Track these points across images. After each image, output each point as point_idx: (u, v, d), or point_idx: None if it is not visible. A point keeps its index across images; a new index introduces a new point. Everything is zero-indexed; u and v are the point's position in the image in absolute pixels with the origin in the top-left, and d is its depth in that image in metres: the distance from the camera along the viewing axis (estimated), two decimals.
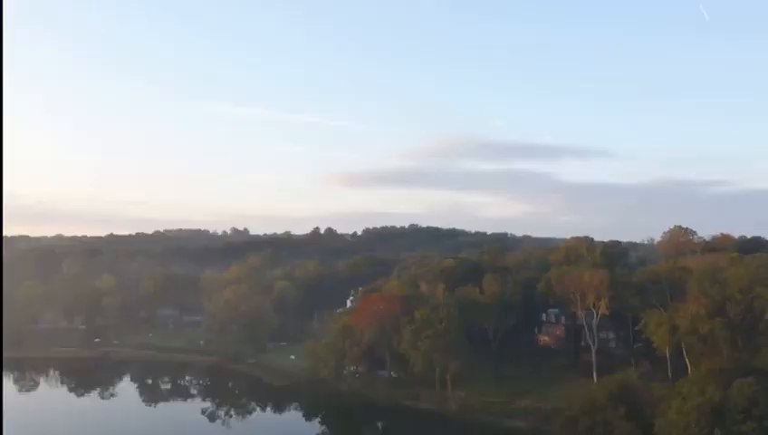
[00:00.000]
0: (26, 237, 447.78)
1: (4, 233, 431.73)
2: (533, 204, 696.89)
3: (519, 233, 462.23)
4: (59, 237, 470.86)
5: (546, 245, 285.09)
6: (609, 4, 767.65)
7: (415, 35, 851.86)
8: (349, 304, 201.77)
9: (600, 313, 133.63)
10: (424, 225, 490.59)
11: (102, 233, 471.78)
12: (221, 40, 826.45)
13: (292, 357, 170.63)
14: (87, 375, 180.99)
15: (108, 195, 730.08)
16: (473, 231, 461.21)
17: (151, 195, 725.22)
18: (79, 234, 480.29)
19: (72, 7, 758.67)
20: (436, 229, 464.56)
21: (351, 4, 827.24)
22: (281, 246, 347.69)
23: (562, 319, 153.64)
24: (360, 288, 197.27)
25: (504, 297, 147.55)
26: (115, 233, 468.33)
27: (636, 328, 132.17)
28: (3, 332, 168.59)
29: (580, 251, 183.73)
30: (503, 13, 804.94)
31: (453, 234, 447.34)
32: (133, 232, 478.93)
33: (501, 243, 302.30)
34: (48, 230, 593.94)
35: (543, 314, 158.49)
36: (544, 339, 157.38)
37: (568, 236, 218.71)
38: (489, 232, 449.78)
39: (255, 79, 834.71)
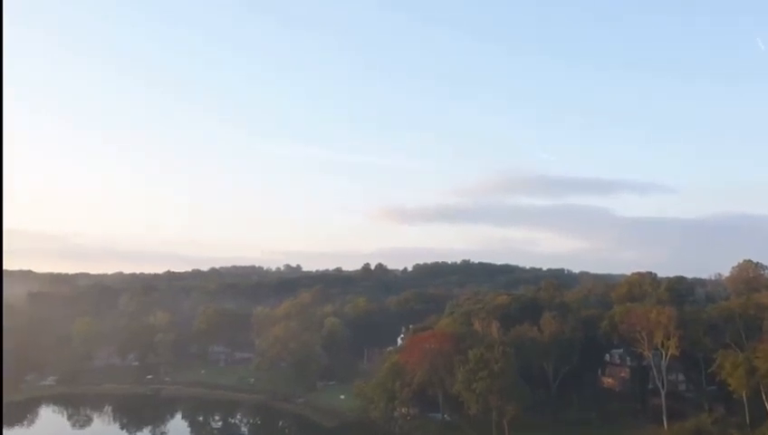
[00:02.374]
0: (87, 274, 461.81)
1: (65, 271, 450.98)
2: (590, 239, 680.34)
3: (576, 269, 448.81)
4: (118, 275, 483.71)
5: (605, 281, 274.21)
6: (664, 46, 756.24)
7: (465, 71, 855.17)
8: (399, 341, 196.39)
9: (669, 353, 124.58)
10: (476, 261, 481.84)
11: (160, 270, 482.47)
12: (276, 80, 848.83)
13: (342, 397, 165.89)
14: (139, 412, 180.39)
15: (166, 233, 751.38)
16: (527, 267, 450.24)
17: (207, 232, 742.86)
18: (138, 271, 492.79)
19: (137, 45, 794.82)
20: (490, 265, 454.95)
21: (405, 46, 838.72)
22: (331, 283, 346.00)
23: (627, 360, 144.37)
24: (411, 325, 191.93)
25: (563, 336, 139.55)
26: (172, 270, 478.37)
27: (709, 370, 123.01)
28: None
29: (644, 287, 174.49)
30: (555, 48, 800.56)
31: (507, 270, 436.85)
32: (189, 269, 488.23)
33: (557, 279, 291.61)
34: (108, 268, 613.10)
35: (607, 355, 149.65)
36: (608, 381, 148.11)
37: (627, 273, 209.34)
38: (545, 268, 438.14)
39: (309, 118, 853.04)
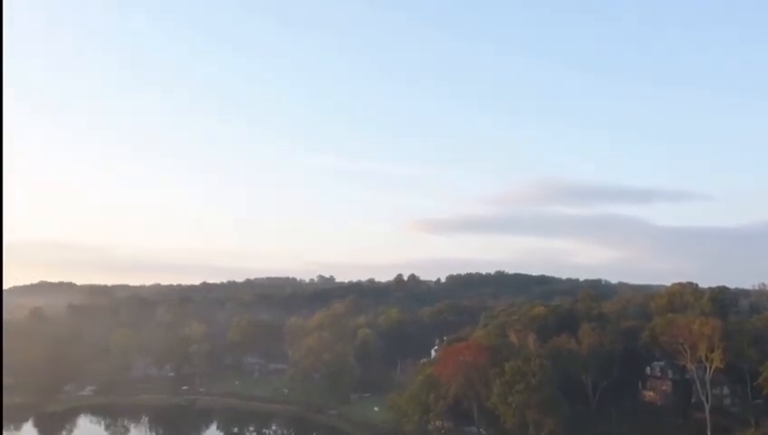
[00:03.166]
0: (126, 286, 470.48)
1: (105, 283, 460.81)
2: (627, 249, 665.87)
3: (613, 279, 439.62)
4: (156, 286, 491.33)
5: (643, 291, 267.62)
6: (700, 57, 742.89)
7: (498, 80, 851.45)
8: (433, 353, 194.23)
9: (713, 365, 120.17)
10: (510, 272, 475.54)
11: (196, 281, 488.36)
12: (308, 92, 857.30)
13: (376, 409, 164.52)
14: (175, 423, 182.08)
15: (202, 244, 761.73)
16: (563, 278, 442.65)
17: (242, 244, 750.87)
18: (174, 283, 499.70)
19: (168, 58, 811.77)
20: (525, 276, 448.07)
21: (436, 56, 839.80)
22: (364, 294, 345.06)
23: (669, 373, 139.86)
24: (445, 337, 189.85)
25: (603, 348, 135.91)
26: (207, 281, 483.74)
27: (754, 383, 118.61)
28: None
29: (685, 298, 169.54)
30: (588, 58, 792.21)
31: (542, 281, 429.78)
32: (224, 280, 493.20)
33: (594, 290, 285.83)
34: (146, 279, 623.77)
35: (647, 368, 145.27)
36: (649, 395, 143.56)
37: (665, 283, 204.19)
38: (581, 278, 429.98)
39: (341, 129, 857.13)
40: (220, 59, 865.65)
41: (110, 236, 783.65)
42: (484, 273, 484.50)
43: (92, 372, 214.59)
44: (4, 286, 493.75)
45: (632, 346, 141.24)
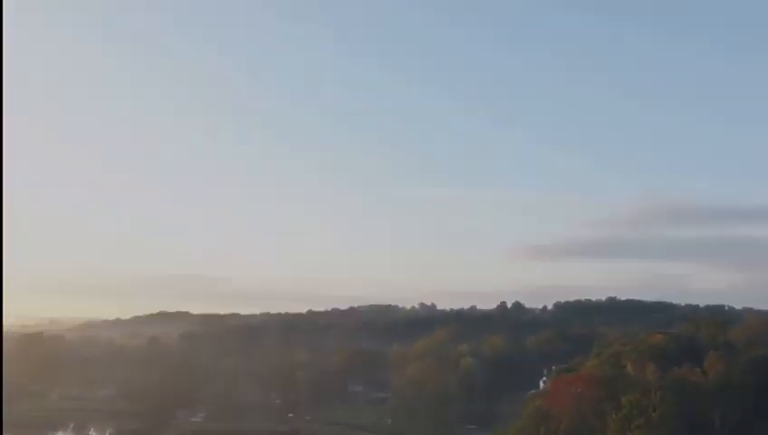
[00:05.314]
0: (237, 315, 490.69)
1: (219, 311, 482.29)
2: (752, 272, 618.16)
3: (738, 305, 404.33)
4: (265, 314, 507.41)
5: None
6: None
7: (601, 93, 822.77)
8: (541, 384, 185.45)
9: None
10: (623, 298, 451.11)
11: (302, 309, 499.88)
12: (396, 122, 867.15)
13: None
14: None
15: (308, 273, 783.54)
16: (681, 304, 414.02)
17: (346, 272, 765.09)
18: (282, 311, 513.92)
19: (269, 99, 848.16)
20: (638, 302, 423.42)
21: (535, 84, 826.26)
22: (466, 321, 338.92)
23: None
24: (554, 367, 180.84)
25: (731, 380, 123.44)
26: (312, 309, 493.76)
27: None
28: None
29: None
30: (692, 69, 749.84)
31: (659, 307, 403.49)
32: (328, 308, 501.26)
33: (718, 316, 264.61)
34: (256, 308, 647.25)
35: None
36: None
37: None
38: (702, 304, 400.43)
39: (439, 155, 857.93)
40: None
41: (227, 267, 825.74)
42: (594, 299, 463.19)
43: (202, 398, 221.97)
44: (127, 316, 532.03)
45: (764, 378, 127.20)
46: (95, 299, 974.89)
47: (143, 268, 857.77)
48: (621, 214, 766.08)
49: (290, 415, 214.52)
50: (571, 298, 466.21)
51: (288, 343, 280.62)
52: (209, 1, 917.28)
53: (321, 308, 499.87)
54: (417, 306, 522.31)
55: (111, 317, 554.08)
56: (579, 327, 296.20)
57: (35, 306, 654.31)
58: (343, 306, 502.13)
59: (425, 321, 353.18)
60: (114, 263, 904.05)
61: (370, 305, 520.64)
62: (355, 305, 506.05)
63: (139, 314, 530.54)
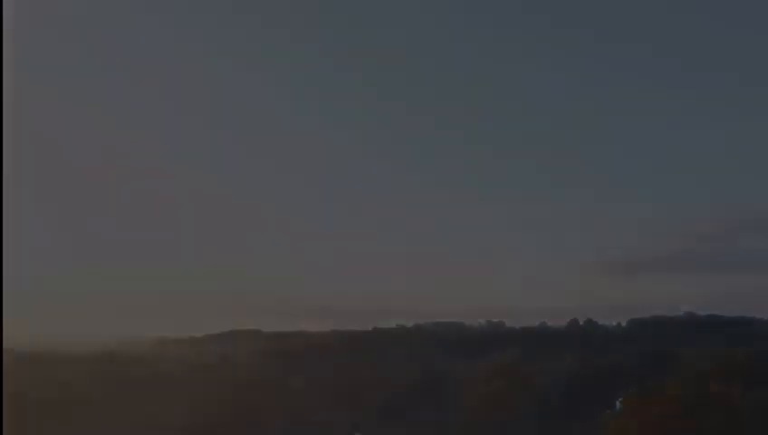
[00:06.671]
0: (304, 332, 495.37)
1: (288, 329, 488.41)
2: None
3: None
4: (333, 332, 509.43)
5: None
6: None
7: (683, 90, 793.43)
8: (618, 405, 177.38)
9: None
10: (702, 313, 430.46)
11: (369, 326, 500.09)
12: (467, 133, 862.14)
13: None
14: None
15: (373, 289, 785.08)
16: (765, 318, 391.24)
17: (410, 288, 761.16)
18: (349, 328, 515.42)
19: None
20: (719, 317, 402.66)
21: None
22: (536, 339, 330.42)
23: None
24: (630, 387, 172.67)
25: None
26: (378, 326, 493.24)
27: None
28: None
29: None
30: None
31: (742, 322, 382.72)
32: (394, 325, 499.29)
33: None
34: (324, 325, 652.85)
35: None
36: None
37: None
38: None
39: (505, 169, 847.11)
40: None
41: (295, 285, 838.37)
42: (671, 315, 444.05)
43: (270, 416, 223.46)
44: (200, 334, 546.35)
45: None
46: (168, 317, 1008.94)
47: (215, 286, 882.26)
48: (695, 225, 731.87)
49: (357, 434, 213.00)
50: (647, 314, 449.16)
51: (355, 360, 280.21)
52: None
53: (386, 325, 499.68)
54: (483, 323, 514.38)
55: (185, 335, 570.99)
56: (655, 344, 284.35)
57: (109, 325, 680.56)
58: (408, 323, 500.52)
59: (492, 338, 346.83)
60: (188, 280, 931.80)
61: (435, 323, 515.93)
62: (421, 322, 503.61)
63: (211, 332, 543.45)
